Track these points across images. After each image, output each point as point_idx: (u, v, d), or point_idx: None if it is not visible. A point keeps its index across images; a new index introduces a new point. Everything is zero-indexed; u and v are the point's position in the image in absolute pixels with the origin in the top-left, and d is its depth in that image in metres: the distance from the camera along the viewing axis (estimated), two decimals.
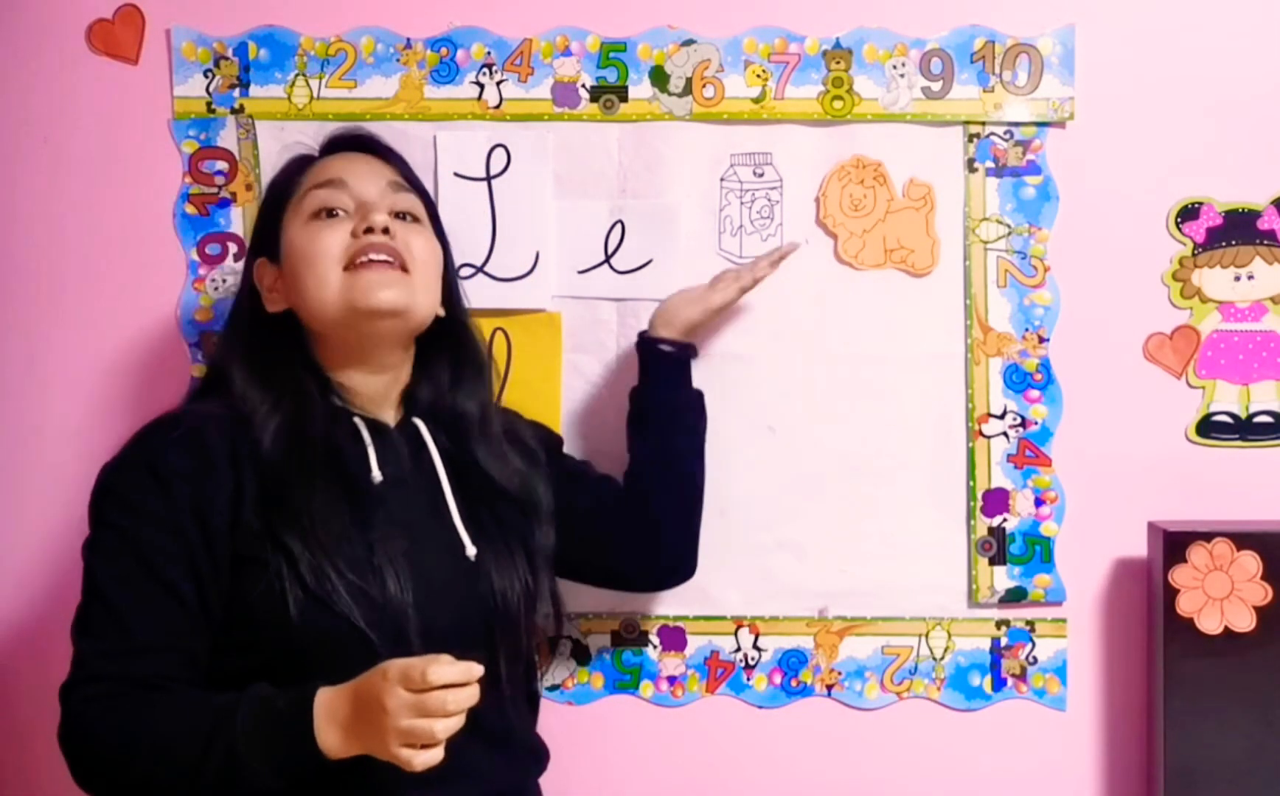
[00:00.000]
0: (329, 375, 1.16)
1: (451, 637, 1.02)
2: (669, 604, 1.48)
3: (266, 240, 1.18)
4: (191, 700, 1.01)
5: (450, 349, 1.24)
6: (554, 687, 1.48)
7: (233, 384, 1.12)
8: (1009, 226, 1.46)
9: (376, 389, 1.18)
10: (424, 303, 1.16)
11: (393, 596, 1.04)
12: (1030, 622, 1.48)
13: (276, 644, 1.03)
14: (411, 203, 1.19)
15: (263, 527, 1.04)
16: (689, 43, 1.46)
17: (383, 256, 1.11)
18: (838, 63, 1.46)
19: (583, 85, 1.46)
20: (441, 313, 1.21)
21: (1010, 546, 1.47)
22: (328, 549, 1.03)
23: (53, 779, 1.44)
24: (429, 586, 1.08)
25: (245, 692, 0.99)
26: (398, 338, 1.17)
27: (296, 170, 1.19)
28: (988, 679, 1.48)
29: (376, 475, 1.11)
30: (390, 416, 1.19)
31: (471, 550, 1.13)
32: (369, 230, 1.11)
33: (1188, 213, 1.46)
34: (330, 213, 1.13)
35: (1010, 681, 1.48)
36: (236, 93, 1.46)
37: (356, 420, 1.14)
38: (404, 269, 1.13)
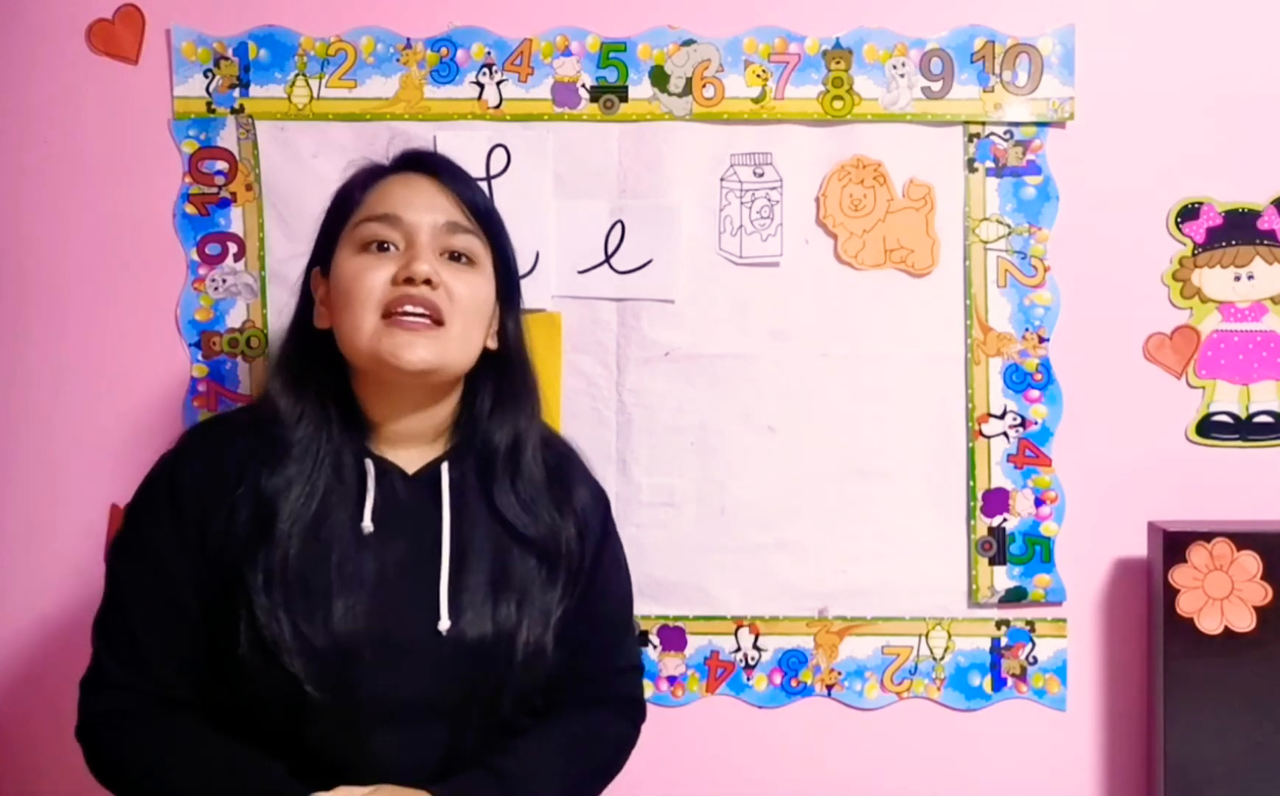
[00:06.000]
0: (362, 404, 1.14)
1: (404, 706, 1.05)
2: (669, 604, 1.48)
3: (324, 251, 1.15)
4: (197, 753, 1.05)
5: (495, 377, 1.19)
6: None
7: (271, 392, 1.13)
8: (1009, 226, 1.46)
9: (409, 427, 1.14)
10: (458, 356, 1.11)
11: (341, 656, 1.03)
12: (1030, 622, 1.48)
13: (228, 671, 1.04)
14: (468, 244, 1.13)
15: (238, 554, 1.05)
16: (689, 43, 1.46)
17: (418, 310, 1.08)
18: (838, 63, 1.46)
19: (583, 85, 1.46)
20: (493, 345, 1.17)
21: (1010, 546, 1.47)
22: (287, 593, 1.03)
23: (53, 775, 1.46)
24: (388, 652, 1.05)
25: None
26: (430, 387, 1.14)
27: (362, 184, 1.15)
28: (988, 679, 1.48)
29: (368, 525, 1.09)
30: (418, 456, 1.15)
31: (445, 624, 1.08)
32: (409, 280, 1.08)
33: (1188, 213, 1.46)
34: (381, 246, 1.10)
35: (1010, 681, 1.48)
36: (236, 93, 1.46)
37: (367, 462, 1.12)
38: (440, 322, 1.09)
